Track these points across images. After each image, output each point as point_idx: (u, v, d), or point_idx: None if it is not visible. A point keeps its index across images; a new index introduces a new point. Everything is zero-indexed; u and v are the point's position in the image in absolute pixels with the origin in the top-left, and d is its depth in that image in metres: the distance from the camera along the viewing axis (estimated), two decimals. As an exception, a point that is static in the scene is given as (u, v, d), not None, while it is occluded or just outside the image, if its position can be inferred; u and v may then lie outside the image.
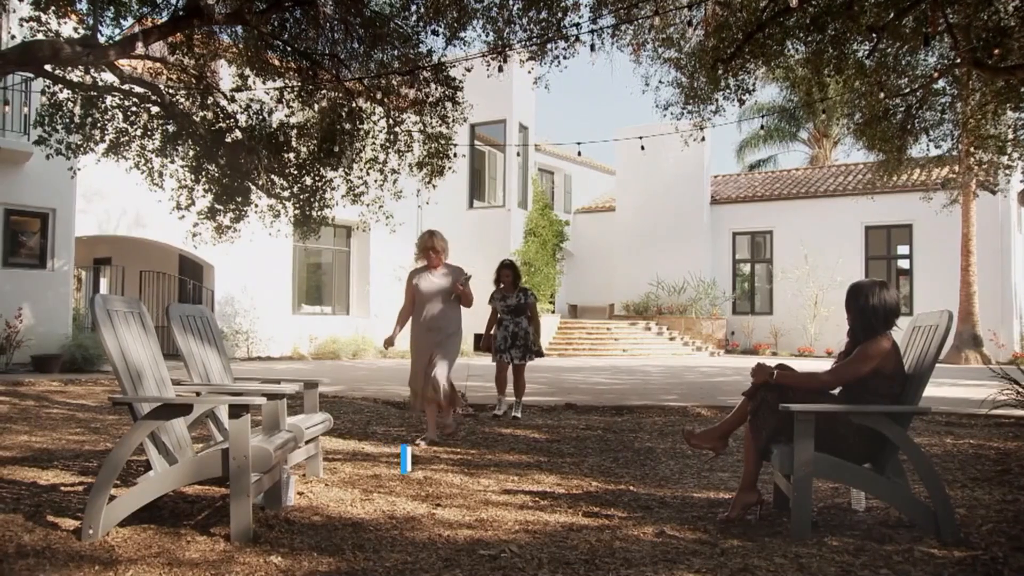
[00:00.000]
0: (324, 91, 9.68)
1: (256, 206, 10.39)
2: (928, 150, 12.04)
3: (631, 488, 4.62)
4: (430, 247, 6.48)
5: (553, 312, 22.86)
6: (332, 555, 3.18)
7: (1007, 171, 12.74)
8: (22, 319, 12.97)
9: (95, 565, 3.00)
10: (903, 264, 21.82)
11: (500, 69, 8.74)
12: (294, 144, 9.94)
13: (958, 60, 9.15)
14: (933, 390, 10.51)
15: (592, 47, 8.56)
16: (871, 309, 3.68)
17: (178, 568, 3.00)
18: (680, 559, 3.17)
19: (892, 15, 8.60)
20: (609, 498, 4.35)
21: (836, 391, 3.80)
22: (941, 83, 10.55)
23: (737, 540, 3.45)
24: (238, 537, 3.30)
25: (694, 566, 3.07)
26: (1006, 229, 19.92)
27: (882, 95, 9.97)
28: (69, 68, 8.66)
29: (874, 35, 8.89)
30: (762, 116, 18.54)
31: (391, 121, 9.89)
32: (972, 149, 12.51)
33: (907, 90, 10.37)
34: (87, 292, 21.04)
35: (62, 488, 4.27)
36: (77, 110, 9.10)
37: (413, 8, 9.22)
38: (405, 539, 3.45)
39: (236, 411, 3.34)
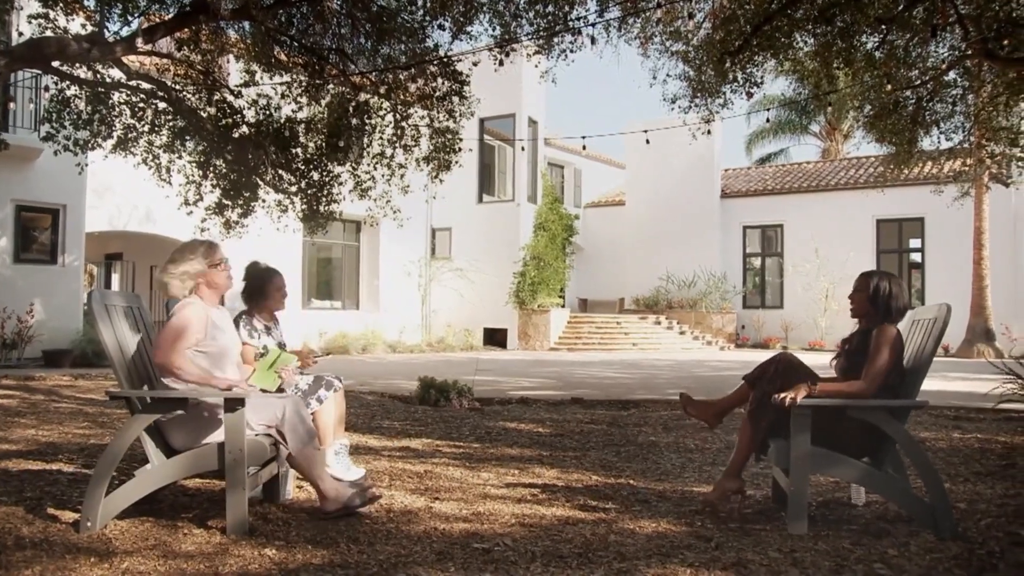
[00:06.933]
0: (331, 86, 9.69)
1: (264, 201, 10.42)
2: (939, 143, 11.93)
3: (631, 482, 4.61)
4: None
5: (563, 307, 22.84)
6: (326, 548, 3.20)
7: (1019, 163, 12.61)
8: (33, 314, 13.09)
9: (91, 557, 3.02)
10: (915, 257, 21.68)
11: (500, 63, 8.72)
12: (301, 139, 9.96)
13: (969, 52, 9.06)
14: (943, 384, 10.49)
15: (593, 39, 8.53)
16: (891, 295, 3.67)
17: (173, 560, 3.02)
18: (674, 553, 3.16)
19: (901, 7, 8.53)
20: (608, 492, 4.34)
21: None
22: (952, 75, 10.44)
23: (732, 534, 3.44)
24: (234, 530, 3.32)
25: (687, 560, 3.06)
26: (1019, 222, 19.73)
27: (890, 87, 9.89)
28: (76, 64, 8.70)
29: (883, 27, 8.81)
30: (768, 110, 18.39)
31: (398, 116, 9.89)
32: (984, 141, 12.39)
33: (917, 82, 10.27)
34: (99, 287, 21.18)
35: (65, 481, 4.30)
36: (84, 106, 9.15)
37: (420, 2, 9.21)
38: (400, 532, 3.46)
39: (231, 405, 3.36)
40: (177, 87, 9.49)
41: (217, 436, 3.48)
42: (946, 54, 10.07)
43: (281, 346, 4.65)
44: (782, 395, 3.48)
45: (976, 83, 10.45)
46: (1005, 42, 8.24)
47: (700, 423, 5.05)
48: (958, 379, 11.71)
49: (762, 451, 3.83)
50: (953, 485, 4.38)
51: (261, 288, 4.64)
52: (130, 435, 3.44)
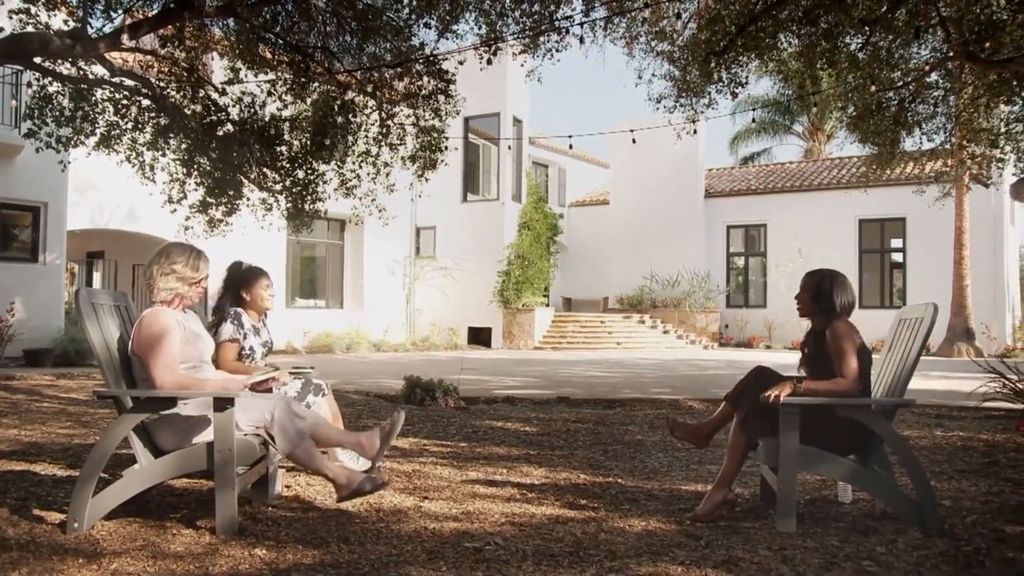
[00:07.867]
0: (316, 84, 9.64)
1: (248, 199, 10.36)
2: (921, 143, 12.01)
3: (619, 481, 4.63)
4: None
5: (547, 306, 22.87)
6: (317, 547, 3.18)
7: (1000, 164, 12.75)
8: (14, 313, 12.95)
9: (79, 558, 2.99)
10: (896, 257, 21.87)
11: (489, 62, 8.72)
12: (286, 137, 9.90)
13: (951, 53, 9.15)
14: (925, 383, 10.58)
15: (581, 39, 8.54)
16: (834, 293, 3.73)
17: (162, 561, 2.99)
18: (664, 551, 3.17)
19: (884, 8, 8.59)
20: (597, 491, 4.35)
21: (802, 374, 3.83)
22: (934, 76, 10.53)
23: (722, 532, 3.46)
24: (223, 530, 3.30)
25: (678, 558, 3.08)
26: (999, 222, 19.96)
27: (873, 88, 9.96)
28: (59, 61, 8.61)
29: (867, 28, 8.88)
30: (753, 109, 18.50)
31: (383, 114, 9.85)
32: (965, 142, 12.51)
33: (900, 83, 10.36)
34: (81, 286, 20.98)
35: (49, 482, 4.26)
36: (67, 103, 9.06)
37: (405, 1, 9.19)
38: (391, 532, 3.45)
39: (220, 404, 3.34)
40: (161, 84, 9.40)
41: (206, 436, 3.46)
42: (928, 56, 10.16)
43: (266, 344, 4.65)
44: (767, 392, 3.51)
45: (958, 85, 10.55)
46: (986, 44, 8.32)
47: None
48: (939, 378, 11.83)
49: (751, 448, 3.84)
50: (938, 483, 4.42)
51: (238, 291, 4.60)
52: (118, 435, 3.41)
